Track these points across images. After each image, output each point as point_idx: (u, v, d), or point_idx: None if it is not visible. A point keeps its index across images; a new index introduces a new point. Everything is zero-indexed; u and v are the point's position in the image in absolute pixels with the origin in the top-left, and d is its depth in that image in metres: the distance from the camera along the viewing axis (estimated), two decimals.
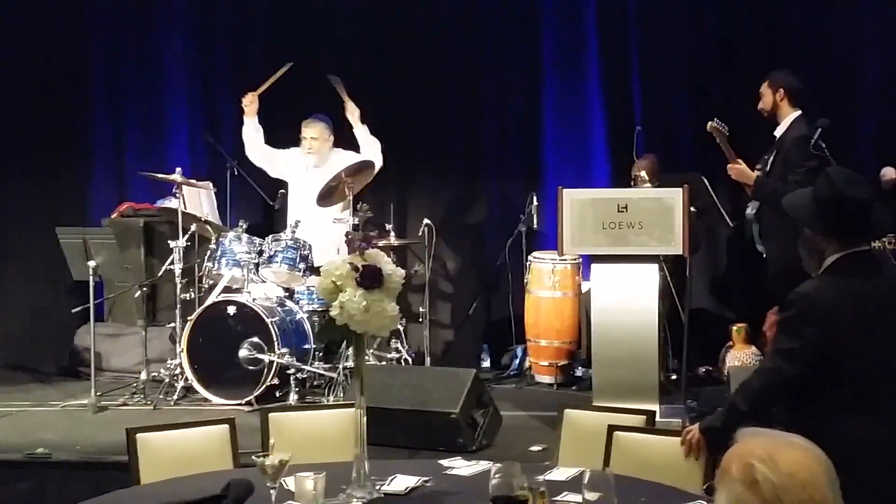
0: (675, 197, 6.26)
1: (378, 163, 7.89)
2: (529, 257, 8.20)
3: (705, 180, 7.45)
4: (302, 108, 8.25)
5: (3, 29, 9.08)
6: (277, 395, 7.30)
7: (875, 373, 3.65)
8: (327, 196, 7.58)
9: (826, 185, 3.79)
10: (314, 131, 8.00)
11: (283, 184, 8.19)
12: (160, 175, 7.83)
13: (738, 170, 6.68)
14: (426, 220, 8.13)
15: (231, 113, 9.07)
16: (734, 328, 7.59)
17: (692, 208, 6.49)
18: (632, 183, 7.66)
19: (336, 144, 8.13)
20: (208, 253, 7.62)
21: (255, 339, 7.25)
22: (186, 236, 7.57)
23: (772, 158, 6.71)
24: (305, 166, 8.02)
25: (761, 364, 3.85)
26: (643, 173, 7.48)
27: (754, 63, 8.26)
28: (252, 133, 8.18)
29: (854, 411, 3.55)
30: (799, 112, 6.76)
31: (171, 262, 7.53)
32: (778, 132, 6.80)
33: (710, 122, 6.75)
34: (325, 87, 8.30)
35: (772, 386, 3.75)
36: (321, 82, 8.27)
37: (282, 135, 8.34)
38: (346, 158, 7.85)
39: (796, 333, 3.68)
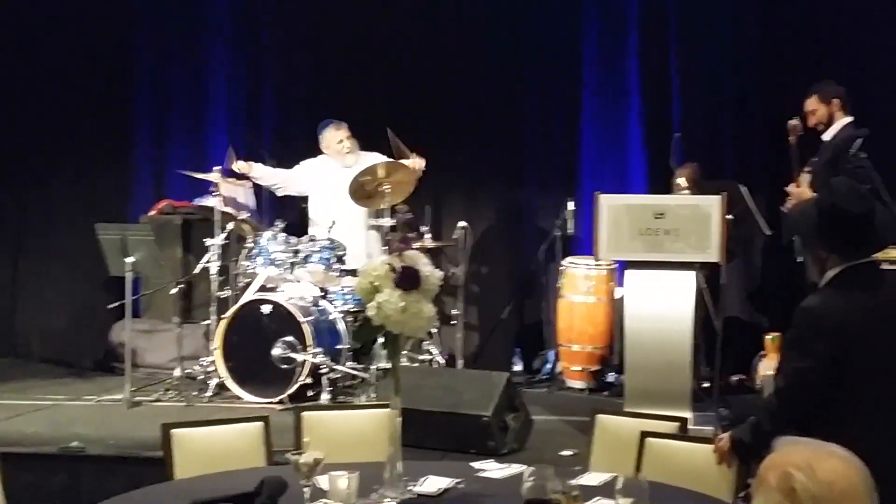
0: (712, 204, 6.25)
1: None
2: (563, 262, 8.19)
3: (742, 188, 7.43)
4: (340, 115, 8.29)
5: (48, 26, 9.18)
6: (309, 394, 7.32)
7: (884, 386, 3.62)
8: (359, 191, 7.56)
9: (826, 198, 3.77)
10: (346, 131, 8.03)
11: (303, 199, 8.25)
12: (198, 174, 7.89)
13: (799, 192, 6.72)
14: (462, 223, 8.14)
15: (273, 111, 9.14)
16: (768, 337, 7.55)
17: (729, 216, 6.47)
18: (673, 191, 7.65)
19: None
20: (245, 251, 7.65)
21: (289, 338, 7.28)
22: (223, 234, 7.62)
23: (819, 160, 6.77)
24: (342, 167, 8.00)
25: (777, 383, 3.81)
26: (681, 181, 7.47)
27: (795, 70, 8.23)
28: (268, 178, 8.23)
29: (865, 427, 3.50)
30: (851, 119, 6.84)
31: (208, 260, 7.58)
32: (827, 136, 6.85)
33: (790, 120, 6.82)
34: (357, 88, 8.40)
35: (791, 405, 3.72)
36: (355, 82, 8.32)
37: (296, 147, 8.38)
38: (377, 157, 7.85)
39: (807, 351, 3.65)
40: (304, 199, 8.35)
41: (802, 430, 3.26)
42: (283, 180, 8.24)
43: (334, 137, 8.04)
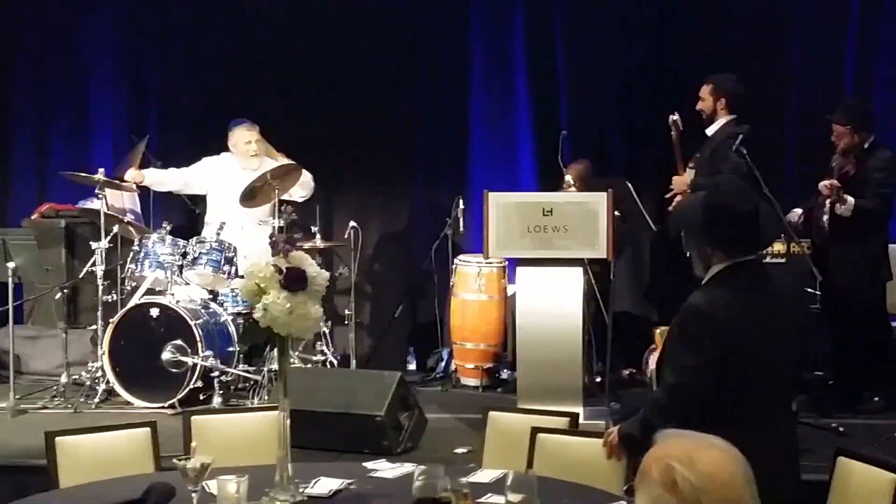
0: (599, 201, 6.31)
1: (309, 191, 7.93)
2: (455, 260, 8.22)
3: (630, 185, 7.54)
4: (228, 112, 8.21)
5: None
6: (201, 398, 7.23)
7: (768, 381, 3.70)
8: (250, 197, 7.54)
9: (713, 196, 3.83)
10: (255, 133, 7.96)
11: (198, 199, 8.16)
12: (82, 175, 7.72)
13: (681, 181, 6.95)
14: (352, 223, 8.12)
15: (156, 113, 9.01)
16: (657, 331, 7.63)
17: (616, 212, 6.56)
18: (564, 188, 7.73)
19: None
20: (131, 255, 7.53)
21: (179, 342, 7.19)
22: (109, 238, 7.47)
23: (701, 156, 6.95)
24: (245, 169, 7.91)
25: (665, 379, 3.87)
26: (569, 178, 7.55)
27: (682, 67, 8.40)
28: (168, 182, 8.12)
29: (749, 421, 3.58)
30: (733, 116, 7.04)
31: (93, 264, 7.44)
32: (710, 131, 7.04)
33: (671, 116, 6.98)
34: (245, 89, 8.35)
35: (680, 401, 3.75)
36: (242, 84, 8.26)
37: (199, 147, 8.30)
38: (275, 163, 7.81)
39: (696, 347, 3.69)
40: (192, 199, 8.24)
41: (686, 423, 3.30)
42: (181, 181, 8.11)
43: (243, 137, 7.95)
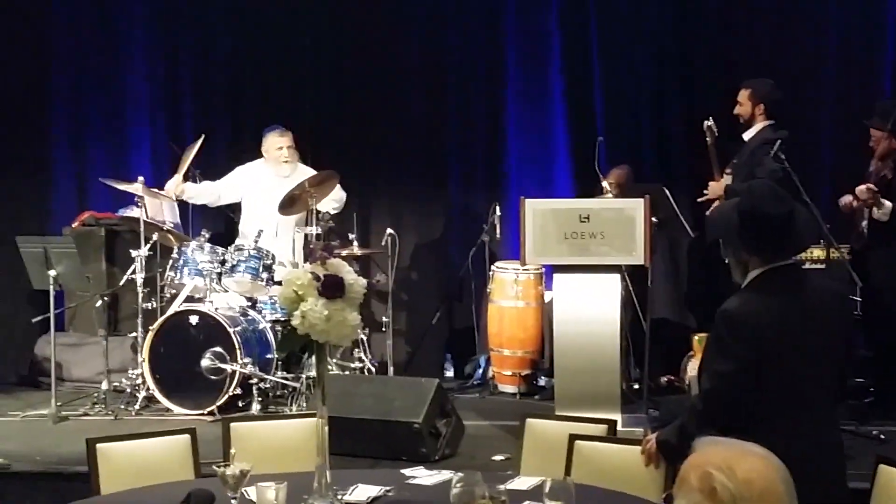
0: (636, 207, 6.30)
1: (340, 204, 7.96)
2: (492, 267, 8.22)
3: (667, 191, 7.51)
4: (264, 120, 8.25)
5: None
6: (240, 405, 7.27)
7: (803, 387, 3.67)
8: (289, 205, 7.58)
9: (747, 201, 3.81)
10: (290, 139, 8.01)
11: (236, 206, 8.20)
12: (121, 185, 7.79)
13: (717, 187, 6.94)
14: (389, 230, 8.14)
15: (194, 121, 9.06)
16: (695, 337, 7.62)
17: (654, 219, 6.54)
18: (603, 194, 7.71)
19: None
20: (170, 262, 7.58)
21: (218, 349, 7.22)
22: (148, 245, 7.53)
23: (738, 161, 6.92)
24: (277, 175, 7.96)
25: (701, 385, 3.85)
26: (605, 184, 7.54)
27: (714, 73, 8.38)
28: (203, 196, 8.17)
29: (784, 427, 3.55)
30: (771, 122, 7.01)
31: (133, 272, 7.49)
32: (747, 136, 7.02)
33: (705, 122, 6.97)
34: (281, 97, 8.40)
35: (715, 408, 3.74)
36: (279, 92, 8.30)
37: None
38: (310, 171, 7.84)
39: (729, 353, 3.67)
40: (230, 207, 8.29)
41: (724, 430, 3.28)
42: (215, 195, 8.17)
43: (275, 143, 8.00)
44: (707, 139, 7.09)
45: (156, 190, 7.92)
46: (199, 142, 7.86)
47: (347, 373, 7.67)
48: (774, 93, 7.05)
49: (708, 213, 6.95)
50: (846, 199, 7.19)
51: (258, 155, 8.11)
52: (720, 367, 3.71)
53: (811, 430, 3.66)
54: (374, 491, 3.59)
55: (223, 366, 7.18)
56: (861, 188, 6.86)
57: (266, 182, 7.98)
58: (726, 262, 3.93)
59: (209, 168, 8.37)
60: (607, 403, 6.17)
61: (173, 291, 7.63)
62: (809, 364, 3.68)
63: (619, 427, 5.04)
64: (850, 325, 4.23)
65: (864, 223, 7.02)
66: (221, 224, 8.65)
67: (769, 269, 3.71)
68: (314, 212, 7.48)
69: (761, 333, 3.62)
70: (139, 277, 7.45)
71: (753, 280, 3.74)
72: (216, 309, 7.34)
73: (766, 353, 3.62)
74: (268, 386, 7.34)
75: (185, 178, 7.99)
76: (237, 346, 7.13)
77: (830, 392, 3.79)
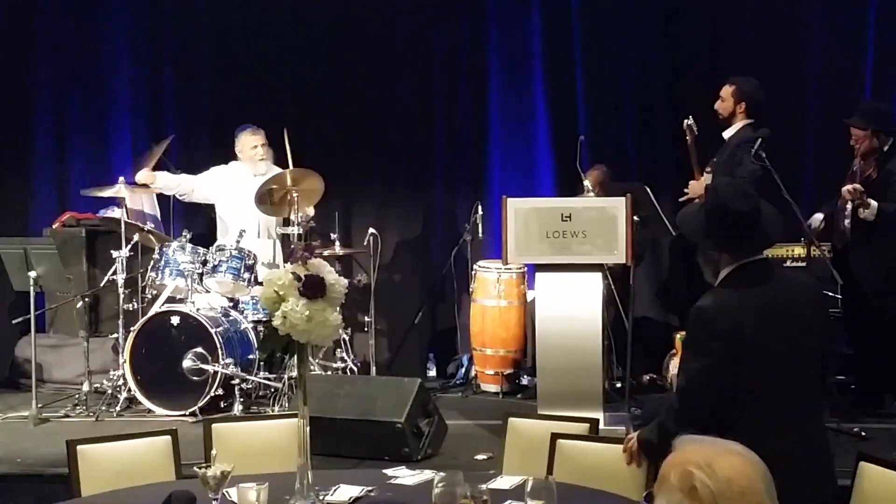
0: (618, 206, 6.32)
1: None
2: (475, 266, 8.22)
3: (648, 190, 7.53)
4: (246, 121, 8.23)
5: None
6: (222, 405, 7.26)
7: (779, 381, 3.68)
8: (267, 200, 7.52)
9: (712, 199, 3.83)
10: (263, 137, 8.00)
11: (211, 207, 8.19)
12: (103, 191, 7.75)
13: (698, 185, 6.89)
14: (371, 230, 8.13)
15: (175, 121, 9.04)
16: (677, 336, 7.64)
17: (635, 217, 6.55)
18: (584, 193, 7.72)
19: None
20: (151, 263, 7.56)
21: (200, 350, 7.20)
22: (129, 246, 7.50)
23: (718, 160, 6.93)
24: (253, 174, 7.96)
25: (678, 383, 3.87)
26: (587, 183, 7.55)
27: (699, 71, 8.39)
28: (174, 186, 8.14)
29: (761, 423, 3.56)
30: (751, 121, 7.00)
31: (114, 272, 7.47)
32: (726, 134, 7.02)
33: (685, 120, 6.98)
34: (262, 95, 8.40)
35: (691, 405, 3.75)
36: (260, 91, 8.29)
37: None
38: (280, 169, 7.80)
39: (703, 350, 3.69)
40: (212, 207, 8.26)
41: (705, 428, 3.29)
42: (189, 188, 8.15)
43: (249, 142, 7.99)
44: (687, 138, 7.10)
45: (137, 188, 7.92)
46: (168, 139, 7.97)
47: (329, 373, 7.66)
48: (758, 93, 7.05)
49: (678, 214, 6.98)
50: (815, 220, 7.21)
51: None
52: (694, 364, 3.73)
53: (795, 425, 3.68)
54: (356, 491, 3.58)
55: (205, 366, 7.16)
56: (847, 188, 6.87)
57: (243, 183, 7.95)
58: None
59: (192, 165, 8.35)
60: (589, 402, 6.18)
61: (154, 292, 7.61)
62: (787, 358, 3.69)
63: (601, 426, 5.03)
64: (827, 318, 4.23)
65: (846, 221, 7.04)
66: (203, 224, 8.62)
67: (739, 266, 3.74)
68: (295, 211, 7.45)
69: (736, 328, 3.62)
70: (120, 278, 7.43)
71: (725, 278, 3.76)
72: (198, 309, 7.32)
73: (743, 348, 3.62)
74: (250, 386, 7.32)
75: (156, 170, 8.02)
76: (219, 347, 7.12)
77: (812, 387, 3.79)
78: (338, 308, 3.45)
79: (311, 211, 7.79)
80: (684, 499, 1.95)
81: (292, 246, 3.39)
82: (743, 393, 3.64)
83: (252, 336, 7.44)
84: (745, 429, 3.20)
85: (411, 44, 9.07)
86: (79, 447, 4.00)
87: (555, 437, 4.12)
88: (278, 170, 7.80)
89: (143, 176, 7.94)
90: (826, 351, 3.91)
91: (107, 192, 7.72)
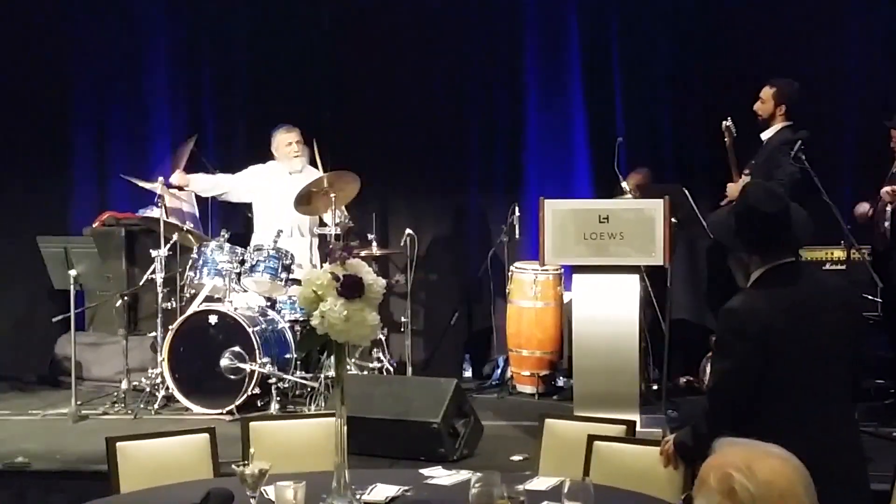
0: (655, 208, 6.30)
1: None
2: (511, 267, 8.21)
3: (686, 192, 7.49)
4: (283, 120, 8.27)
5: None
6: (259, 404, 7.29)
7: (810, 383, 3.65)
8: (305, 201, 7.55)
9: (741, 202, 3.81)
10: (298, 135, 8.03)
11: (248, 206, 8.23)
12: (141, 182, 7.83)
13: (736, 188, 6.86)
14: (408, 231, 8.14)
15: (214, 120, 9.09)
16: (714, 338, 7.60)
17: (673, 219, 6.53)
18: (623, 195, 7.70)
19: None
20: (190, 262, 7.61)
21: (237, 349, 7.24)
22: (168, 245, 7.56)
23: (756, 162, 6.90)
24: (290, 172, 7.99)
25: (707, 384, 3.86)
26: (624, 184, 7.53)
27: (738, 73, 8.33)
28: (213, 190, 8.21)
29: (794, 425, 3.52)
30: (790, 123, 6.99)
31: (153, 272, 7.53)
32: (765, 136, 6.99)
33: (724, 122, 6.96)
34: (301, 97, 8.44)
35: (721, 407, 3.73)
36: (298, 92, 8.34)
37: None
38: (317, 172, 7.77)
39: (732, 352, 3.67)
40: (249, 206, 8.30)
41: (738, 430, 3.27)
42: (225, 188, 8.19)
43: (284, 140, 8.03)
44: (725, 139, 7.07)
45: (174, 190, 7.98)
46: (193, 138, 8.07)
47: (366, 373, 7.68)
48: (798, 95, 7.01)
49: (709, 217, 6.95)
50: (861, 208, 7.16)
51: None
52: (722, 366, 3.72)
53: (826, 429, 3.63)
54: (392, 491, 3.59)
55: (242, 365, 7.20)
56: (886, 190, 6.83)
57: (279, 182, 7.99)
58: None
59: (229, 164, 8.40)
60: (626, 404, 6.16)
61: (193, 291, 7.66)
62: (818, 361, 3.65)
63: (637, 428, 5.02)
64: (859, 321, 4.18)
65: (886, 224, 6.99)
66: (241, 224, 8.67)
67: (770, 269, 3.70)
68: (332, 212, 7.47)
69: (765, 330, 3.60)
70: (159, 277, 7.48)
71: (755, 280, 3.74)
72: (235, 309, 7.36)
73: (772, 350, 3.60)
74: (286, 386, 7.35)
75: (188, 172, 8.11)
76: (256, 346, 7.15)
77: (844, 391, 3.76)
78: (375, 308, 3.46)
79: (343, 211, 7.81)
80: (723, 501, 1.94)
81: (330, 246, 3.39)
82: (770, 394, 3.62)
83: (289, 336, 7.47)
84: (772, 431, 3.18)
85: (448, 44, 9.07)
86: (118, 444, 4.03)
87: (591, 438, 4.11)
88: (313, 169, 7.83)
89: (176, 178, 8.00)
90: (859, 354, 3.87)
91: (145, 184, 7.78)
